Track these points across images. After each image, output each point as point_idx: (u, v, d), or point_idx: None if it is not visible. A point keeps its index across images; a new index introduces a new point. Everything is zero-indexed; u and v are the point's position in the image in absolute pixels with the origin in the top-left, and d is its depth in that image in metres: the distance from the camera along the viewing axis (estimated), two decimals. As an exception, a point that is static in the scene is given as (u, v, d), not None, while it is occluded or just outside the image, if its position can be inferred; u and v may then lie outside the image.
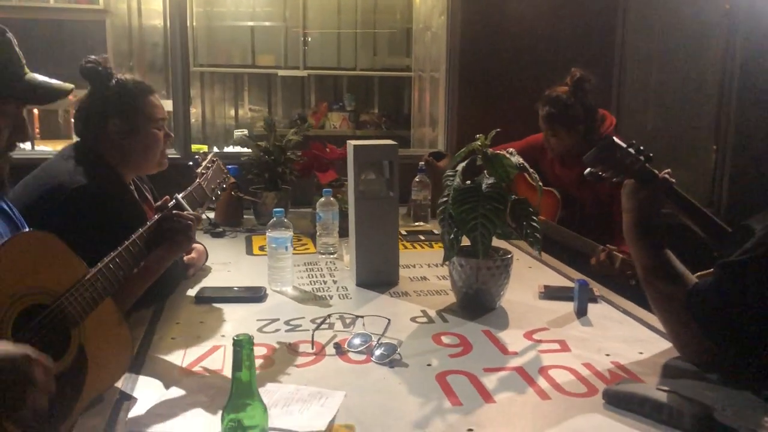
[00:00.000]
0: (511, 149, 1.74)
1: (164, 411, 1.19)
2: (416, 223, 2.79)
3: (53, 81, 1.27)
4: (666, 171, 1.55)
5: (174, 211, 1.52)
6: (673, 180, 1.55)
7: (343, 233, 2.26)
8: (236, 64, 5.24)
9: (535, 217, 1.72)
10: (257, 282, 1.94)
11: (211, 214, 2.77)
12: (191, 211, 1.55)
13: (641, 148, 1.51)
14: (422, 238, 2.57)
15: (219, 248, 2.37)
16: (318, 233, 2.29)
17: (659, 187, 1.53)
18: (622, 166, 1.50)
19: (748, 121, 3.64)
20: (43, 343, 1.12)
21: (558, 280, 2.05)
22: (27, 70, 1.23)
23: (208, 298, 1.80)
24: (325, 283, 1.99)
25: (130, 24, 5.07)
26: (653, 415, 1.18)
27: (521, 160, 1.72)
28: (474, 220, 1.62)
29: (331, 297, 1.85)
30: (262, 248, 2.38)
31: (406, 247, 2.44)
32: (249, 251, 2.37)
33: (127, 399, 1.24)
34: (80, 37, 4.85)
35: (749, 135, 3.65)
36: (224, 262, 2.19)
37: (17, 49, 1.21)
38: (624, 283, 2.21)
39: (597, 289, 1.91)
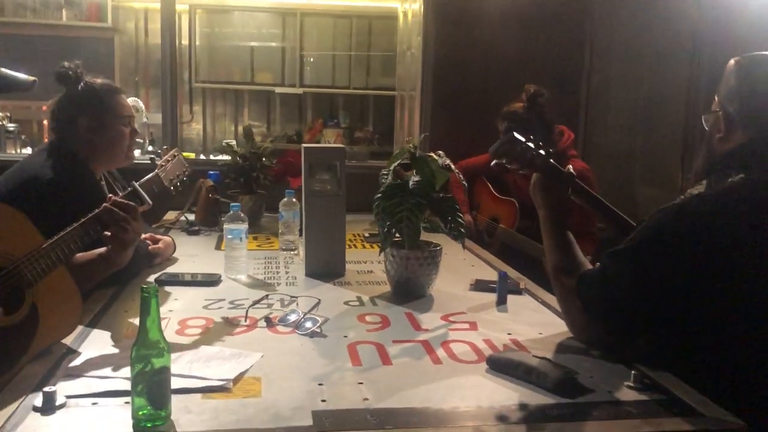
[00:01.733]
0: (440, 152, 1.93)
1: (101, 362, 1.37)
2: (382, 228, 2.96)
3: (18, 74, 1.48)
4: (569, 167, 1.72)
5: (114, 205, 1.67)
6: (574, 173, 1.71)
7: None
8: (236, 81, 5.50)
9: (460, 214, 1.89)
10: (218, 271, 2.13)
11: (191, 216, 2.98)
12: (143, 200, 1.74)
13: (540, 143, 1.67)
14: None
15: (191, 244, 2.58)
16: (280, 231, 2.48)
17: (564, 181, 1.69)
18: (524, 159, 1.66)
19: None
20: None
21: (495, 276, 2.21)
22: None
23: (166, 282, 1.99)
24: (278, 273, 2.17)
25: (136, 42, 5.35)
26: (524, 377, 1.34)
27: (448, 162, 1.90)
28: (400, 213, 1.81)
29: (279, 284, 2.04)
30: (231, 245, 2.57)
31: (365, 247, 2.63)
32: (218, 246, 2.57)
33: (72, 353, 1.43)
34: (91, 54, 5.15)
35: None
36: (192, 255, 2.39)
37: None
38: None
39: (524, 283, 2.07)
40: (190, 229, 2.81)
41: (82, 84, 2.06)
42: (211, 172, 3.09)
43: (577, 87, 3.69)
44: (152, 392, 1.11)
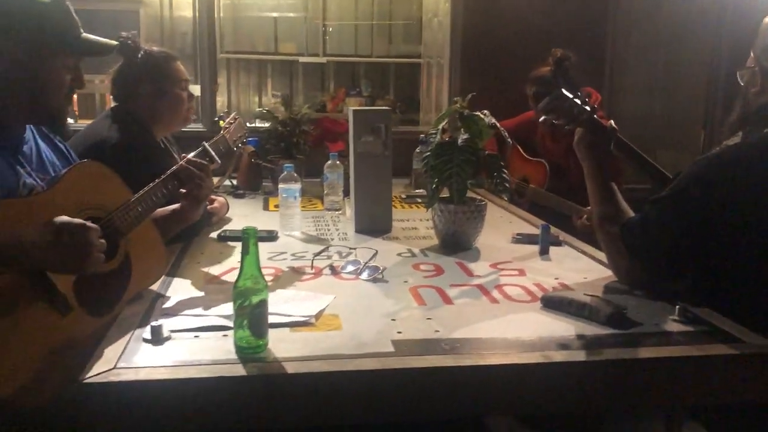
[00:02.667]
0: (485, 111, 2.03)
1: (191, 303, 1.52)
2: (416, 190, 3.09)
3: (102, 39, 1.60)
4: (610, 121, 1.82)
5: (189, 163, 1.79)
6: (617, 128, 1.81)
7: (346, 194, 2.59)
8: (260, 52, 5.58)
9: (505, 171, 2.01)
10: (273, 229, 2.26)
11: (233, 181, 3.11)
12: (213, 159, 1.87)
13: (587, 99, 1.78)
14: (419, 200, 2.88)
15: (240, 206, 2.72)
16: (325, 192, 2.60)
17: (607, 135, 1.80)
18: (571, 115, 1.76)
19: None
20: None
21: (533, 231, 2.34)
22: (82, 30, 1.56)
23: (228, 237, 2.13)
24: (328, 230, 2.30)
25: (161, 14, 5.43)
26: (577, 313, 1.47)
27: (494, 121, 2.01)
28: (450, 169, 1.92)
29: (332, 239, 2.17)
30: (276, 206, 2.71)
31: (404, 207, 2.75)
32: (266, 207, 2.70)
33: (162, 297, 1.57)
34: (115, 26, 5.23)
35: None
36: (243, 215, 2.53)
37: (74, 14, 1.54)
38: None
39: (562, 236, 2.20)
40: (236, 192, 2.94)
41: (141, 53, 2.17)
42: (250, 139, 3.20)
43: (601, 52, 3.76)
44: (253, 323, 1.25)
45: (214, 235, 2.18)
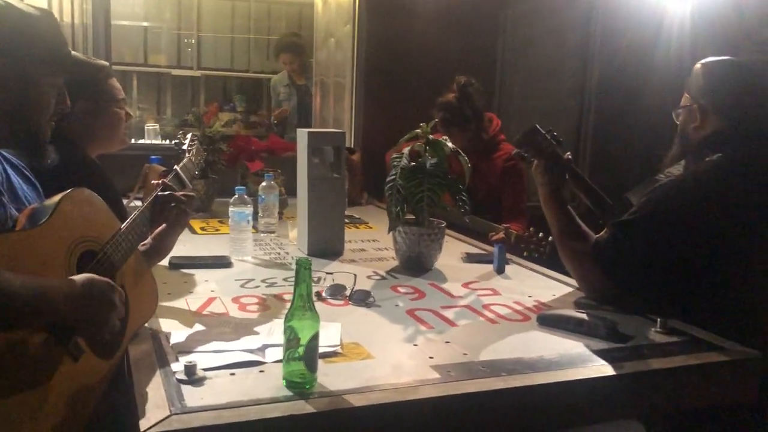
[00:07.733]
0: (445, 136, 2.11)
1: (200, 338, 1.42)
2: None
3: (91, 58, 1.46)
4: (567, 153, 1.99)
5: (167, 192, 1.69)
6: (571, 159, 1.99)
7: (280, 216, 2.55)
8: (127, 62, 5.27)
9: (465, 192, 2.10)
10: (213, 253, 2.16)
11: (138, 202, 2.91)
12: (187, 187, 1.76)
13: (555, 134, 1.93)
14: (347, 221, 2.88)
15: (162, 229, 2.55)
16: (260, 214, 2.52)
17: (564, 166, 1.96)
18: (540, 148, 1.91)
19: (604, 130, 4.30)
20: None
21: (474, 249, 2.45)
22: (69, 48, 1.41)
23: (180, 265, 2.01)
24: (278, 253, 2.25)
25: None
26: (576, 329, 1.57)
27: (454, 146, 2.09)
28: (421, 193, 1.97)
29: (290, 263, 2.12)
30: (203, 229, 2.60)
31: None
32: (192, 231, 2.57)
33: (160, 333, 1.45)
34: None
35: (605, 144, 4.32)
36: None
37: (61, 29, 1.39)
38: (518, 253, 2.65)
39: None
40: (151, 215, 2.75)
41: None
42: (153, 157, 3.03)
43: (491, 76, 4.00)
44: (308, 357, 1.21)
45: (163, 262, 2.04)
